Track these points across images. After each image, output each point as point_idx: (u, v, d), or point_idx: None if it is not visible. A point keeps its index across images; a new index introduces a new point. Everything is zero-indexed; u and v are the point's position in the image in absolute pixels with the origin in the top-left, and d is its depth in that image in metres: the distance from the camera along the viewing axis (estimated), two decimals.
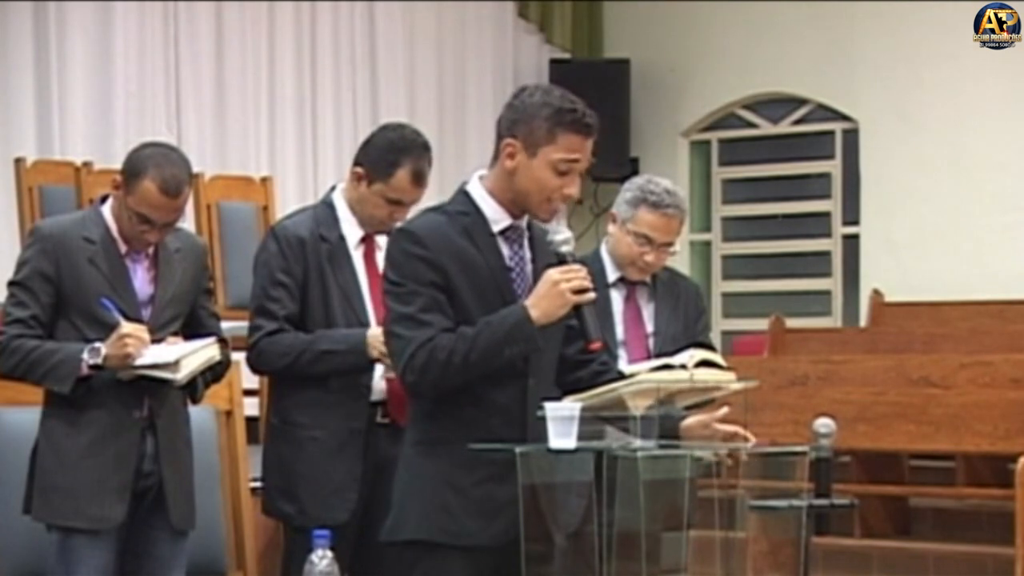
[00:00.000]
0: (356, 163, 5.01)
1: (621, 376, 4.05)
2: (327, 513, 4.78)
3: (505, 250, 3.94)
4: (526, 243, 3.98)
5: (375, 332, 4.78)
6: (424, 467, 3.91)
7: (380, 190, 4.94)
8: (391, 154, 4.95)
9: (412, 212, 4.78)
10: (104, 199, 4.77)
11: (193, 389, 4.77)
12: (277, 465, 5.01)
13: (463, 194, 3.97)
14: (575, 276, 3.84)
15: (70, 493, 4.62)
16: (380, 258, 4.88)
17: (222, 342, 4.83)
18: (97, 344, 4.58)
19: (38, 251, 4.68)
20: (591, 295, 3.86)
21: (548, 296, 3.82)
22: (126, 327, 4.57)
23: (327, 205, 5.04)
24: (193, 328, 4.81)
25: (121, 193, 4.64)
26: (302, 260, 4.93)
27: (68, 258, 4.65)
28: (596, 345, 3.91)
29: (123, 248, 4.70)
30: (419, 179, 4.97)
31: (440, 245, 3.86)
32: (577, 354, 4.05)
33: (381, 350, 4.59)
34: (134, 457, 4.66)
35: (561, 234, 3.91)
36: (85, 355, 4.57)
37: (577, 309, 3.85)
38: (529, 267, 3.96)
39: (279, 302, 4.93)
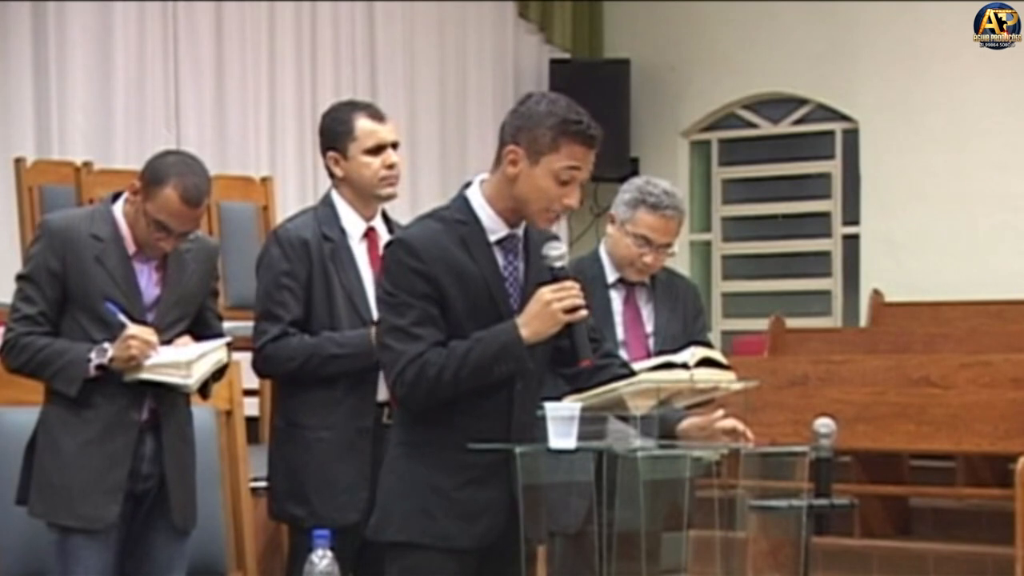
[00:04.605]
0: (324, 151, 5.04)
1: (630, 371, 4.06)
2: (338, 514, 4.77)
3: (500, 260, 3.93)
4: (520, 252, 3.97)
5: None
6: (408, 469, 3.92)
7: (355, 149, 4.96)
8: (340, 122, 5.00)
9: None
10: (115, 197, 4.74)
11: (204, 386, 4.78)
12: (284, 468, 4.98)
13: (463, 200, 3.95)
14: (567, 294, 3.84)
15: (65, 491, 4.62)
16: None
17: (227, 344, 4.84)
18: (105, 345, 4.58)
19: (45, 246, 4.66)
20: (583, 313, 3.87)
21: (540, 316, 3.83)
22: (132, 329, 4.57)
23: (327, 204, 5.04)
24: (198, 328, 4.81)
25: (139, 199, 4.61)
26: (306, 262, 4.93)
27: (75, 255, 4.63)
28: (586, 363, 3.91)
29: (131, 249, 4.68)
30: (377, 117, 5.01)
31: (435, 256, 3.85)
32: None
33: None
34: (129, 458, 4.65)
35: (556, 249, 3.90)
36: (92, 355, 4.57)
37: (568, 326, 3.86)
38: (522, 277, 3.95)
39: (284, 306, 4.92)
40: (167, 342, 4.66)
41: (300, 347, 4.90)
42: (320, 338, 4.90)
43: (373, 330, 4.80)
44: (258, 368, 5.03)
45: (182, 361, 4.62)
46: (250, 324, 5.08)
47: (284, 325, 4.91)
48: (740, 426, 4.09)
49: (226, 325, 5.04)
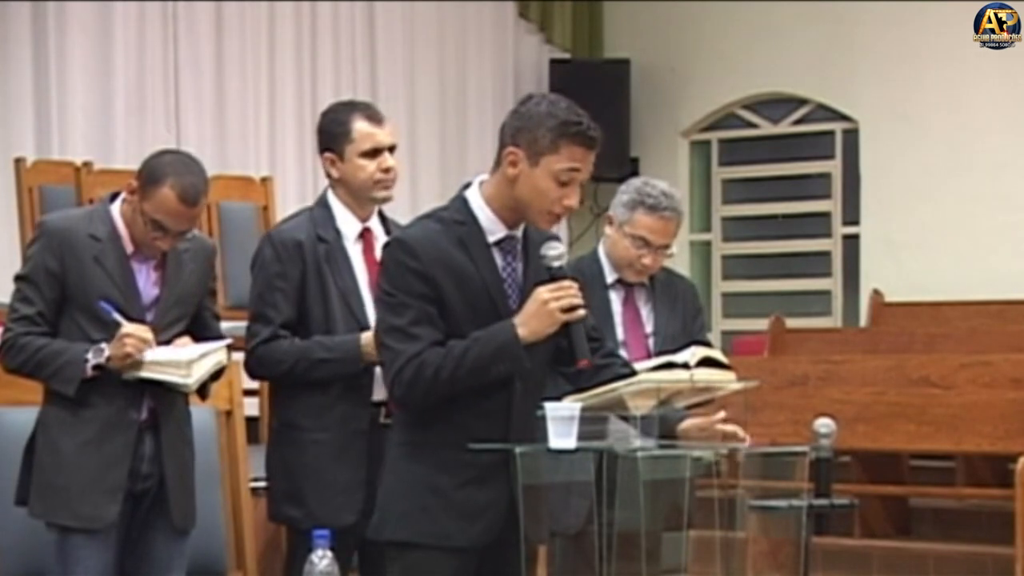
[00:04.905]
0: (321, 151, 5.01)
1: (631, 371, 4.06)
2: (334, 515, 4.76)
3: (499, 261, 3.94)
4: (519, 253, 3.97)
5: (368, 338, 4.76)
6: (407, 469, 3.94)
7: (351, 152, 4.94)
8: (337, 123, 4.97)
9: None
10: (113, 197, 4.74)
11: (203, 387, 4.78)
12: (281, 469, 4.97)
13: (461, 200, 3.96)
14: (565, 294, 3.85)
15: (64, 491, 4.62)
16: (379, 250, 4.87)
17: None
18: (102, 344, 4.58)
19: (43, 247, 4.66)
20: (581, 312, 3.87)
21: (537, 315, 3.84)
22: (127, 327, 4.57)
23: (323, 205, 5.03)
24: (196, 328, 4.81)
25: (136, 199, 4.61)
26: (299, 263, 4.92)
27: (73, 255, 4.63)
28: (583, 363, 3.91)
29: (129, 249, 4.68)
30: (375, 119, 4.98)
31: (433, 257, 3.87)
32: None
33: (375, 355, 4.58)
34: (128, 458, 4.65)
35: (554, 249, 3.91)
36: (89, 355, 4.57)
37: (566, 326, 3.86)
38: (520, 277, 3.96)
39: (275, 308, 4.91)
40: (166, 342, 4.66)
41: (289, 350, 4.89)
42: (310, 342, 4.89)
43: (363, 336, 4.83)
44: (249, 369, 5.03)
45: (183, 361, 4.63)
46: None
47: (275, 327, 4.90)
48: (740, 432, 4.09)
49: (225, 325, 5.04)
